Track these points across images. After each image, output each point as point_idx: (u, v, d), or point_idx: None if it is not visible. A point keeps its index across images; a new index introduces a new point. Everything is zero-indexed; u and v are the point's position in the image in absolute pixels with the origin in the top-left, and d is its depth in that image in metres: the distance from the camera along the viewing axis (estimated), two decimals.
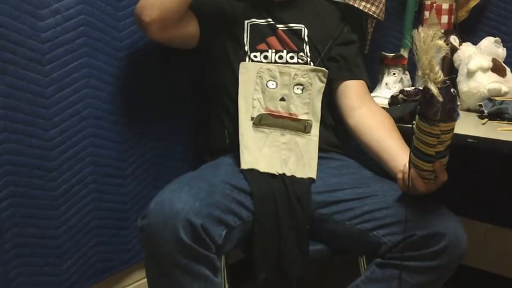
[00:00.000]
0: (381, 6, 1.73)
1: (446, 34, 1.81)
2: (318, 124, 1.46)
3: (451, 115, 1.06)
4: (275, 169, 1.38)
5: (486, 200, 1.92)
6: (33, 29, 1.27)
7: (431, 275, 1.21)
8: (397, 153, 1.33)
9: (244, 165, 1.37)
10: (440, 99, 1.02)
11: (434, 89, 1.02)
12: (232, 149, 1.44)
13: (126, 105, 1.50)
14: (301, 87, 1.47)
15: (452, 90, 1.04)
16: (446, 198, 1.29)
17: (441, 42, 1.01)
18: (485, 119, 1.56)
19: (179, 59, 1.59)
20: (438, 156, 1.14)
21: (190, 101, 1.67)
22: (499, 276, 2.00)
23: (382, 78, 1.84)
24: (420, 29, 1.03)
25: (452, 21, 1.85)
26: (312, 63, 1.51)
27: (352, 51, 1.58)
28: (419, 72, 1.04)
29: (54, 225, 1.38)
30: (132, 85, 1.51)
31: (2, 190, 1.26)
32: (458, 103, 1.08)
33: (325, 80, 1.48)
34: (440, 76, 1.02)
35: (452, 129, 1.10)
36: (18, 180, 1.29)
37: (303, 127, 1.44)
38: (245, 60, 1.49)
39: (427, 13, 1.85)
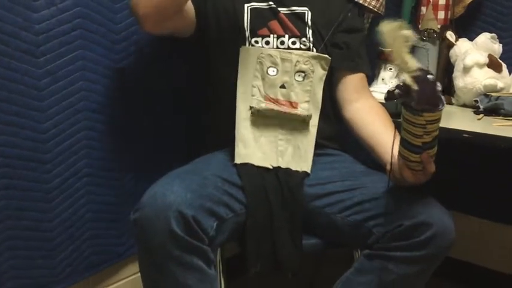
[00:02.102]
0: (381, 0, 1.72)
1: (443, 30, 1.82)
2: (318, 112, 1.43)
3: (433, 103, 1.05)
4: (270, 162, 1.37)
5: (481, 195, 1.92)
6: (27, 21, 1.25)
7: (419, 266, 1.21)
8: (391, 147, 1.33)
9: (238, 159, 1.37)
10: (415, 87, 1.02)
11: (407, 78, 1.02)
12: (226, 142, 1.42)
13: (121, 99, 1.49)
14: (303, 74, 1.43)
15: (430, 77, 1.04)
16: (441, 193, 1.29)
17: (407, 31, 1.02)
18: (481, 115, 1.57)
19: (176, 51, 1.58)
20: (425, 147, 1.13)
21: (187, 94, 1.66)
22: (493, 271, 2.01)
23: (379, 73, 1.84)
24: (383, 22, 1.03)
25: (448, 16, 1.85)
26: (314, 49, 1.46)
27: (357, 39, 1.54)
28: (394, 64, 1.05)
29: (48, 218, 1.37)
30: (128, 78, 1.50)
31: None
32: (440, 88, 1.06)
33: (327, 68, 1.45)
34: (413, 65, 1.02)
35: (438, 119, 1.09)
36: (12, 173, 1.28)
37: (302, 119, 1.41)
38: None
39: (423, 9, 1.86)
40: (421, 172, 1.18)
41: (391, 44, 1.02)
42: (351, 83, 1.51)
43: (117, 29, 1.45)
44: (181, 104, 1.66)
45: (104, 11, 1.41)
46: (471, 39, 1.78)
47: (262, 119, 1.41)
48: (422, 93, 1.03)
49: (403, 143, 1.16)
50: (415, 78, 1.02)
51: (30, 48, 1.27)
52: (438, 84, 1.06)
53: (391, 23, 1.02)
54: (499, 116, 1.54)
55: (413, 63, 1.02)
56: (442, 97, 1.06)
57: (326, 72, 1.45)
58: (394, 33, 1.01)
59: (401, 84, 1.06)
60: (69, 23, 1.33)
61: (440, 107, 1.06)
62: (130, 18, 1.46)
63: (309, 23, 1.47)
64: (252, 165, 1.36)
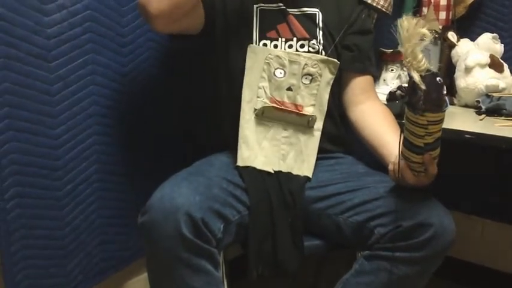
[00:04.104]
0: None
1: (444, 30, 1.83)
2: (323, 117, 1.42)
3: (437, 104, 1.05)
4: (272, 166, 1.38)
5: (484, 195, 1.93)
6: (38, 25, 1.23)
7: (418, 266, 1.21)
8: (396, 149, 1.33)
9: (241, 162, 1.36)
10: (423, 87, 1.02)
11: (416, 77, 1.01)
12: (229, 143, 1.42)
13: (129, 102, 1.48)
14: (310, 77, 1.41)
15: (438, 79, 1.04)
16: (443, 192, 1.30)
17: (424, 30, 1.01)
18: (483, 115, 1.57)
19: (184, 54, 1.57)
20: (427, 148, 1.13)
21: (197, 96, 1.62)
22: (495, 271, 2.02)
23: (380, 74, 1.85)
24: (404, 17, 1.03)
25: (450, 17, 1.85)
26: (323, 52, 1.44)
27: (368, 42, 1.52)
28: (404, 61, 1.04)
29: (60, 226, 1.35)
30: (137, 81, 1.49)
31: (8, 190, 1.23)
32: (445, 92, 1.07)
33: (335, 72, 1.43)
34: (424, 64, 1.02)
35: (441, 120, 1.09)
36: (24, 180, 1.26)
37: (306, 122, 1.40)
38: None
39: (425, 9, 1.86)
40: (422, 174, 1.18)
41: (406, 39, 1.01)
42: (359, 85, 1.50)
43: (124, 32, 1.44)
44: (193, 106, 1.63)
45: (112, 14, 1.39)
46: (473, 39, 1.79)
47: (266, 121, 1.40)
48: (428, 94, 1.03)
49: (405, 143, 1.16)
50: (424, 78, 1.02)
51: (42, 53, 1.25)
52: (444, 87, 1.06)
53: (410, 18, 1.01)
54: (500, 116, 1.55)
55: (424, 62, 1.02)
56: (447, 99, 1.07)
57: (334, 77, 1.43)
58: (411, 29, 1.00)
59: (408, 81, 1.06)
60: (80, 27, 1.31)
61: (443, 108, 1.07)
62: (136, 21, 1.45)
63: (320, 24, 1.45)
64: (254, 168, 1.36)
